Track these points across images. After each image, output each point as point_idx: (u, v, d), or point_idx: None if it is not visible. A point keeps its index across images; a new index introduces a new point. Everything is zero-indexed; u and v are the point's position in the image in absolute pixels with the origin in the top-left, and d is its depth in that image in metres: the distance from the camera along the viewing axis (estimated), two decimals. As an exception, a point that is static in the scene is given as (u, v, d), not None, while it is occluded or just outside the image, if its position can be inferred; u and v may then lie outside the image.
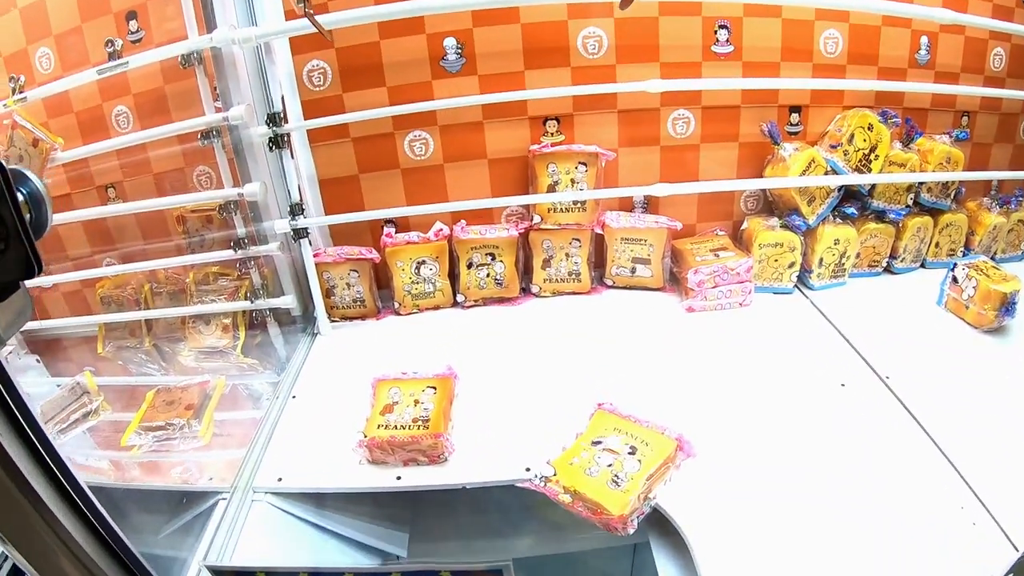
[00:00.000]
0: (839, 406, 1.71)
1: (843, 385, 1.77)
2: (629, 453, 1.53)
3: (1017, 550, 1.30)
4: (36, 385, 2.25)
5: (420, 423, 1.63)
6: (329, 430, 1.73)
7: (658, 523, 1.48)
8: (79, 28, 2.08)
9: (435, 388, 1.75)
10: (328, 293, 2.20)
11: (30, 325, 2.36)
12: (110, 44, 2.05)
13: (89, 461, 1.90)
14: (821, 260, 2.15)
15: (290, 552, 1.59)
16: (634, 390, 1.77)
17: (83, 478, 1.81)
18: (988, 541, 1.33)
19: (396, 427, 1.62)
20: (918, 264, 2.29)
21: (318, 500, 1.64)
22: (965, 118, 2.34)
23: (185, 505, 1.65)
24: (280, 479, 1.62)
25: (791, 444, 1.60)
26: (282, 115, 1.98)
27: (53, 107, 2.18)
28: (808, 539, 1.36)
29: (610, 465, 1.51)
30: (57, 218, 2.10)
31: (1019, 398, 1.69)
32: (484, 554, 1.91)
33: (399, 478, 1.58)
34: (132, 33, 2.03)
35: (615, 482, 1.47)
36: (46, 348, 2.45)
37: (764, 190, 2.23)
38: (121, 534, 0.81)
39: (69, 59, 2.10)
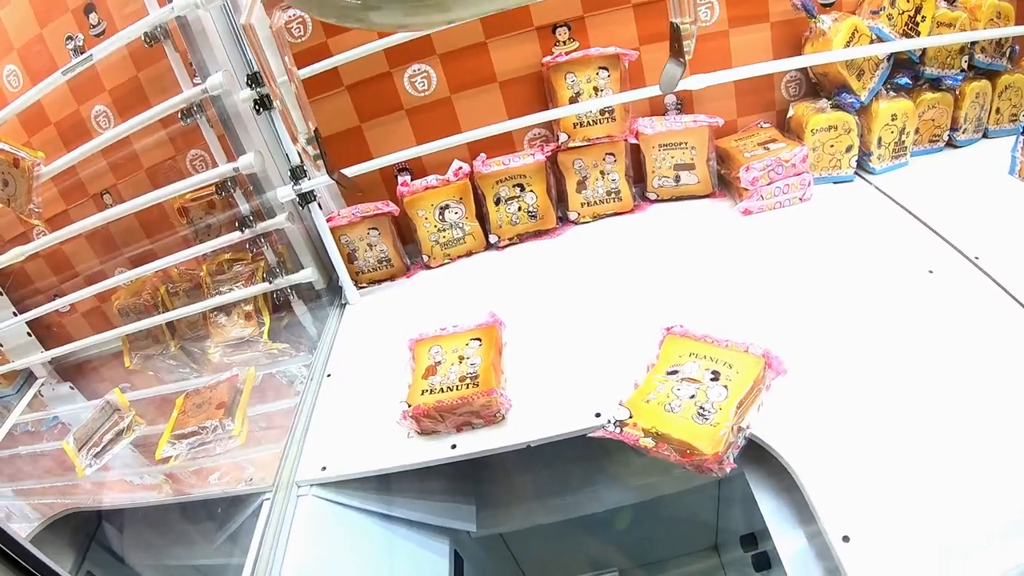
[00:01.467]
0: (930, 295, 1.43)
1: (931, 272, 1.49)
2: (712, 379, 1.27)
3: None
4: (73, 413, 2.10)
5: (469, 381, 1.38)
6: (370, 406, 1.50)
7: (747, 452, 1.22)
8: (39, 36, 1.88)
9: (480, 340, 1.50)
10: (350, 258, 1.95)
11: (56, 351, 2.22)
12: (70, 40, 1.84)
13: (131, 480, 1.72)
14: (880, 140, 1.84)
15: (347, 546, 1.37)
16: (702, 308, 1.50)
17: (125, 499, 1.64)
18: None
19: (442, 390, 1.38)
20: (980, 134, 1.97)
21: (368, 484, 1.42)
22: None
23: (229, 512, 1.47)
24: (324, 468, 1.41)
25: (884, 344, 1.32)
26: (262, 74, 1.71)
27: (30, 122, 2.00)
28: (920, 447, 1.11)
29: (693, 396, 1.24)
30: (58, 234, 1.96)
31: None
32: (556, 513, 1.68)
33: (454, 447, 1.34)
34: (94, 27, 1.83)
35: (702, 415, 1.20)
36: (77, 373, 2.34)
37: (806, 71, 1.92)
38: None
39: (36, 69, 1.90)
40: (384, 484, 1.42)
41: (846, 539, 1.00)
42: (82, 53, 1.79)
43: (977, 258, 1.49)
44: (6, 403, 2.31)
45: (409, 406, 1.36)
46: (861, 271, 1.54)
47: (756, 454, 1.23)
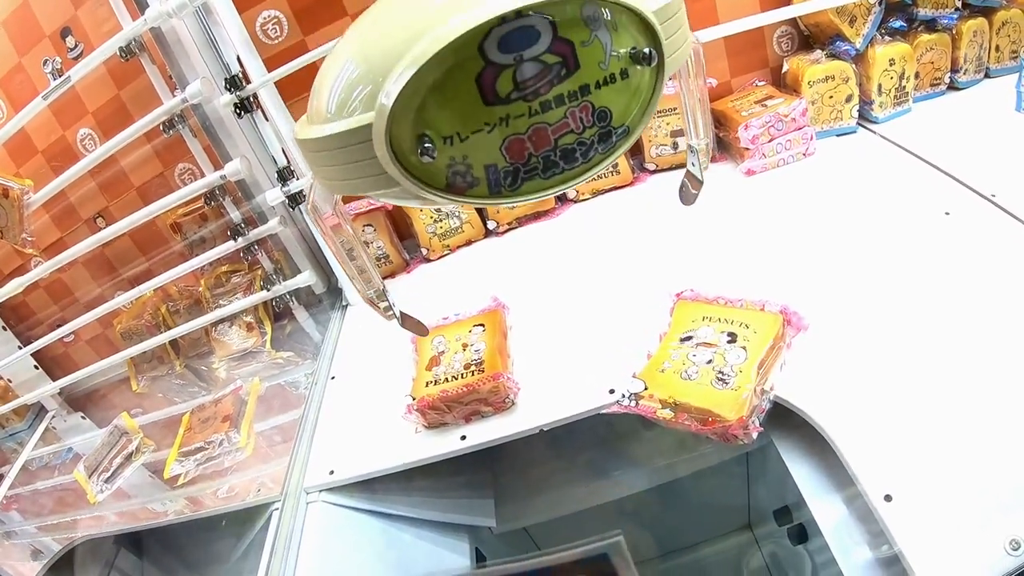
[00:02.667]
0: (949, 237, 1.32)
1: (947, 214, 1.38)
2: (729, 342, 1.16)
3: None
4: (87, 442, 2.01)
5: (474, 368, 1.28)
6: (376, 406, 1.40)
7: (774, 419, 1.11)
8: (19, 65, 1.83)
9: (483, 325, 1.40)
10: (348, 258, 1.83)
11: (64, 381, 2.13)
12: (47, 64, 1.78)
13: (143, 502, 1.64)
14: (880, 87, 1.73)
15: (360, 551, 1.27)
16: (713, 272, 1.39)
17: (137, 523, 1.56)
18: None
19: (447, 379, 1.28)
20: (982, 75, 1.86)
21: (377, 486, 1.32)
22: None
23: (242, 526, 1.37)
24: (332, 472, 1.31)
25: (907, 291, 1.22)
26: (241, 77, 1.63)
27: (17, 152, 1.94)
28: (955, 395, 1.00)
29: (710, 361, 1.14)
30: (54, 261, 1.89)
31: None
32: (580, 502, 1.57)
33: (464, 438, 1.24)
34: (71, 50, 1.77)
35: (721, 380, 1.10)
36: (88, 402, 2.27)
37: (797, 24, 1.81)
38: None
39: (20, 99, 1.84)
40: (395, 484, 1.32)
41: (888, 498, 0.90)
42: (60, 76, 1.73)
43: (994, 196, 1.37)
44: (19, 439, 2.24)
45: (414, 399, 1.26)
46: (875, 220, 1.43)
47: (783, 420, 1.12)
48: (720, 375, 1.11)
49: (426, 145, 0.50)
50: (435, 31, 0.47)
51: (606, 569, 0.33)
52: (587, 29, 0.49)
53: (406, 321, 0.96)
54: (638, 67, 0.54)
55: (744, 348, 1.14)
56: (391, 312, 0.92)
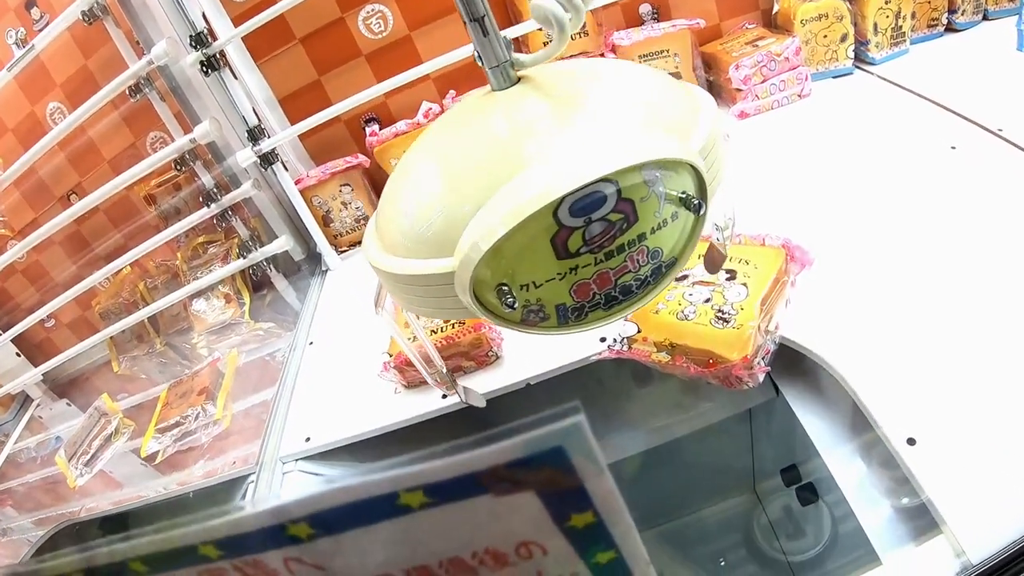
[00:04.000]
0: (956, 170, 1.21)
1: (953, 148, 1.26)
2: (728, 279, 1.04)
3: None
4: (72, 428, 1.88)
5: (454, 320, 1.15)
6: (355, 369, 1.30)
7: (782, 368, 1.01)
8: None
9: (464, 278, 1.28)
10: (325, 220, 1.73)
11: (45, 366, 2.02)
12: (10, 35, 1.66)
13: (122, 482, 1.55)
14: (876, 26, 1.61)
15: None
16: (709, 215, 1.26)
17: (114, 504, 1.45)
18: None
19: (426, 334, 1.15)
20: (980, 16, 1.73)
21: (356, 452, 1.20)
22: None
23: (220, 501, 1.26)
24: (308, 439, 1.19)
25: (916, 226, 1.11)
26: (208, 33, 1.51)
27: None
28: (974, 330, 0.89)
29: (708, 300, 1.02)
30: (26, 241, 1.78)
31: None
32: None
33: (445, 396, 1.13)
34: (37, 21, 1.67)
35: (721, 319, 0.98)
36: (72, 388, 2.16)
37: (788, -39, 1.69)
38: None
39: None
40: (374, 449, 1.20)
41: (911, 442, 0.79)
42: (25, 46, 1.62)
43: (1000, 130, 1.26)
44: (5, 430, 2.13)
45: (391, 356, 1.15)
46: (879, 158, 1.31)
47: (791, 368, 1.02)
48: (720, 313, 0.99)
49: (506, 295, 0.54)
50: (519, 197, 0.50)
51: (560, 471, 0.22)
52: (646, 187, 0.52)
53: (468, 395, 0.97)
54: (686, 210, 0.57)
55: (745, 285, 1.02)
56: (455, 388, 0.93)
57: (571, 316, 0.59)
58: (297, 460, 1.18)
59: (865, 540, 0.85)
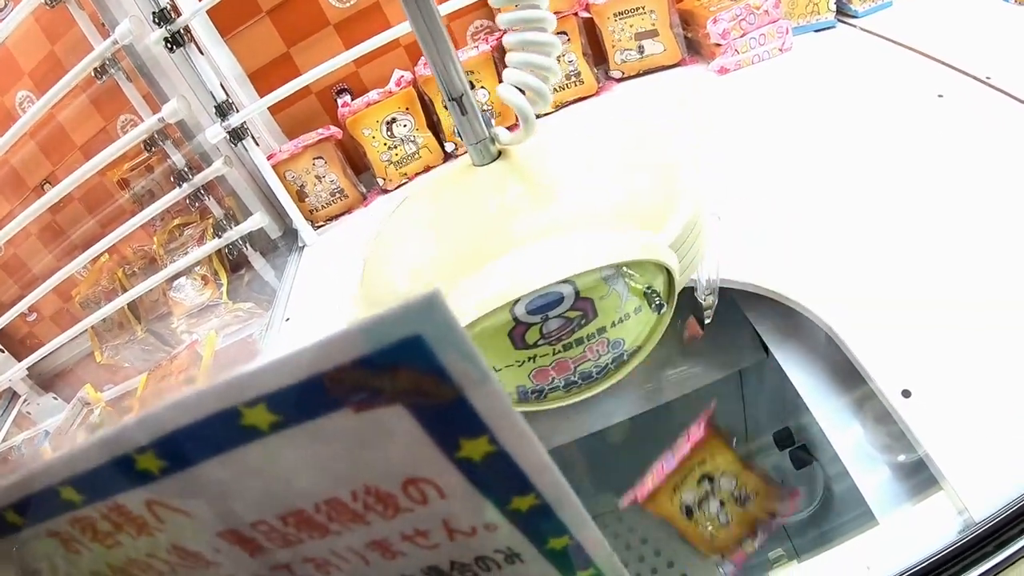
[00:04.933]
0: (942, 119, 1.17)
1: (940, 96, 1.22)
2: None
3: None
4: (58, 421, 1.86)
5: (429, 286, 1.11)
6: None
7: (771, 328, 1.00)
8: None
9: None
10: (300, 196, 1.68)
11: (30, 360, 1.98)
12: (-29, 23, 1.61)
13: None
14: (858, -23, 1.56)
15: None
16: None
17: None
18: None
19: (399, 300, 1.11)
20: (965, -31, 1.68)
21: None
22: None
23: None
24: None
25: (903, 175, 1.07)
26: (171, 9, 1.46)
27: None
28: (964, 279, 0.86)
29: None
30: (1, 233, 1.73)
31: None
32: (560, 433, 1.39)
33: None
34: (1, 10, 1.63)
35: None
36: (58, 381, 2.14)
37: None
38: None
39: None
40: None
41: (907, 394, 0.75)
42: (-14, 33, 1.58)
43: (988, 78, 1.22)
44: (-7, 429, 2.10)
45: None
46: (863, 108, 1.27)
47: (782, 326, 1.00)
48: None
49: None
50: (479, 294, 0.50)
51: (426, 374, 0.18)
52: (606, 286, 0.53)
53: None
54: (649, 306, 0.57)
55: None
56: None
57: (531, 396, 0.61)
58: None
59: (861, 500, 0.81)
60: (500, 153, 0.60)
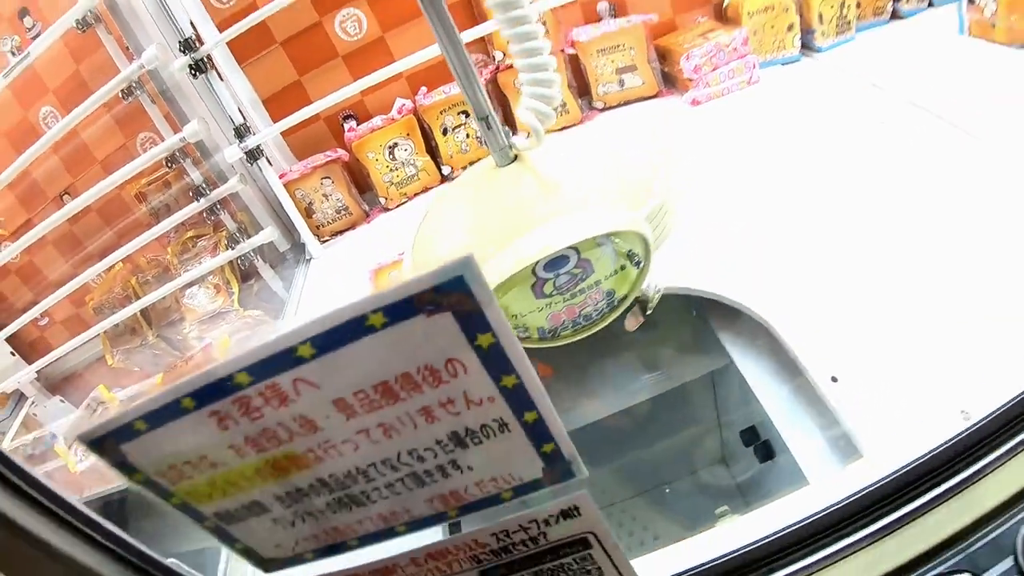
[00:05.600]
0: (883, 144, 1.33)
1: (882, 123, 1.39)
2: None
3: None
4: (66, 424, 1.96)
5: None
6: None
7: (729, 332, 1.15)
8: None
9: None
10: (308, 212, 1.83)
11: (39, 363, 2.08)
12: (6, 42, 1.73)
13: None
14: (820, 16, 1.73)
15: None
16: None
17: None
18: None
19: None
20: (925, 3, 1.83)
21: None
22: None
23: None
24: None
25: (844, 190, 1.24)
26: (195, 39, 1.60)
27: None
28: (894, 281, 1.01)
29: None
30: (20, 242, 1.83)
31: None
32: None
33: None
34: (30, 30, 1.74)
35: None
36: (66, 384, 2.22)
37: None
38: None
39: None
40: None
41: (834, 380, 0.90)
42: (19, 53, 1.69)
43: (937, 108, 1.36)
44: (1, 428, 2.18)
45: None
46: (817, 132, 1.44)
47: (741, 332, 1.15)
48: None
49: None
50: (510, 259, 0.69)
51: (465, 295, 0.28)
52: (599, 249, 0.73)
53: None
54: (631, 263, 0.77)
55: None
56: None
57: (547, 335, 0.81)
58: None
59: (797, 468, 0.95)
60: (516, 157, 0.77)
